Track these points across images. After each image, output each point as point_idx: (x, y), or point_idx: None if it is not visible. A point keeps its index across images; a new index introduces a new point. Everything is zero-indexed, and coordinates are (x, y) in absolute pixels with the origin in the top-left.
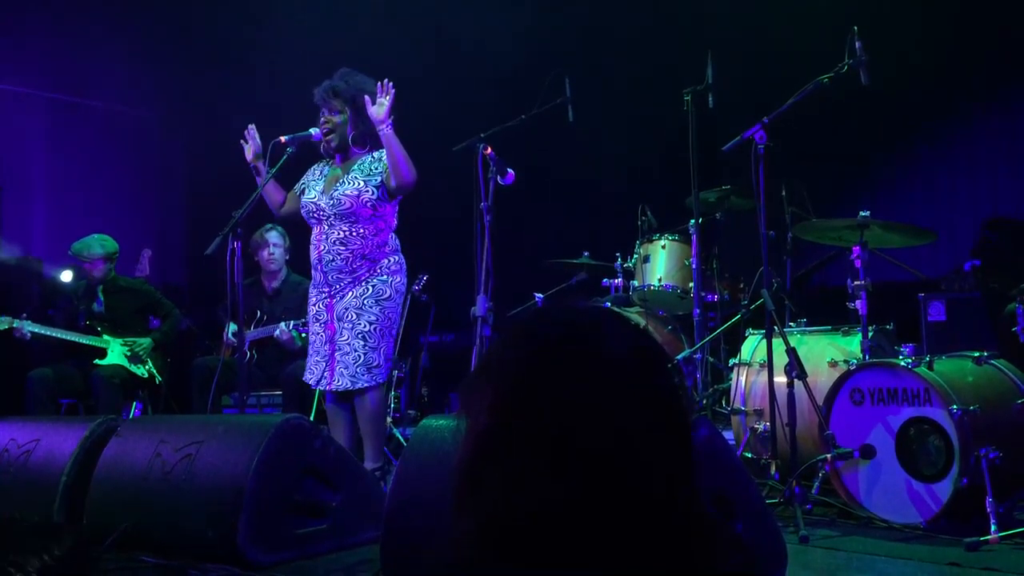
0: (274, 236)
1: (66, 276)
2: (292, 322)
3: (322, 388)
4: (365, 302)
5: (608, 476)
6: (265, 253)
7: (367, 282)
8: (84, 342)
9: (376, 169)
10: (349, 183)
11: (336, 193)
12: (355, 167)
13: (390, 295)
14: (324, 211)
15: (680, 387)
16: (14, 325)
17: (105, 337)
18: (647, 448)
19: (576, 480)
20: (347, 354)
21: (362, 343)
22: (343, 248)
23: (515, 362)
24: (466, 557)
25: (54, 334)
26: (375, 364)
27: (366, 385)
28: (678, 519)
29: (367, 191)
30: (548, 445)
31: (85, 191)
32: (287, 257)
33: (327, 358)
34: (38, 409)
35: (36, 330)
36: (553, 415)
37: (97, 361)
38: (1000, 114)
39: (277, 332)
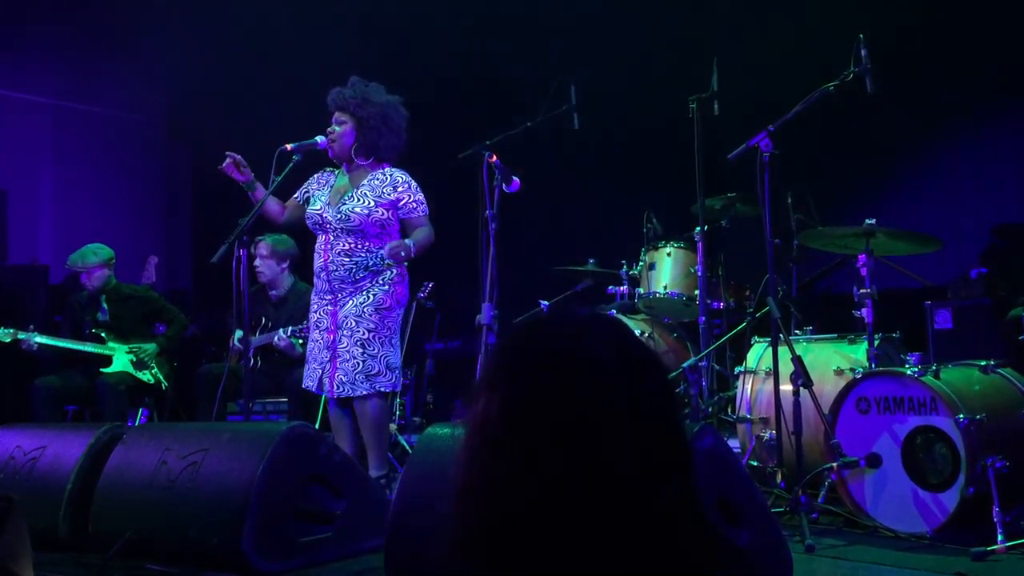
0: (261, 247)
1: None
2: (290, 328)
3: (324, 394)
4: (365, 310)
5: (594, 478)
6: (254, 263)
7: (368, 291)
8: (90, 351)
9: (386, 191)
10: (359, 199)
11: (344, 208)
12: (364, 183)
13: (390, 305)
14: (331, 223)
15: (672, 391)
16: (20, 337)
17: (111, 344)
18: (635, 450)
19: (561, 482)
20: (346, 361)
21: (360, 350)
22: (347, 260)
23: (498, 369)
24: (459, 560)
25: (61, 344)
26: (374, 372)
27: (365, 392)
28: (672, 522)
29: (378, 211)
30: (529, 447)
31: (91, 198)
32: (283, 267)
33: (324, 365)
34: (43, 417)
35: (44, 341)
36: (535, 417)
37: (103, 369)
38: (1006, 120)
39: (276, 339)
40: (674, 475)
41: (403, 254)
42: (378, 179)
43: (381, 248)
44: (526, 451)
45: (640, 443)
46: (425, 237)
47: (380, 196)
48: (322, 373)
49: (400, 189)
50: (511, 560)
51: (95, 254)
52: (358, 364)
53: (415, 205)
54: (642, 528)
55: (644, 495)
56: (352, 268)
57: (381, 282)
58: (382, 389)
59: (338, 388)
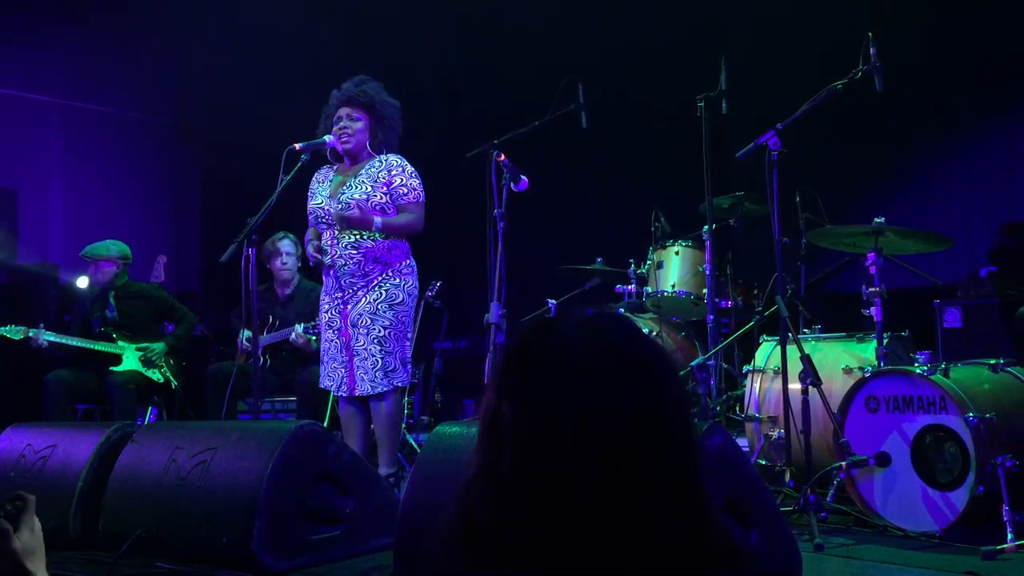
0: (286, 244)
1: (82, 282)
2: (303, 325)
3: (342, 394)
4: (379, 307)
5: (594, 479)
6: (278, 262)
7: (380, 286)
8: (99, 349)
9: (381, 176)
10: (357, 187)
11: (344, 197)
12: (363, 171)
13: (403, 299)
14: (333, 216)
15: (679, 391)
16: (30, 335)
17: (120, 343)
18: (637, 451)
19: (561, 483)
20: (365, 359)
21: (378, 348)
22: (355, 252)
23: (501, 371)
24: (459, 559)
25: (70, 342)
26: (392, 368)
27: (385, 389)
28: (676, 523)
29: (375, 195)
30: (530, 449)
31: (101, 198)
32: (299, 264)
33: (345, 364)
34: (54, 411)
35: (53, 339)
36: (536, 419)
37: (112, 368)
38: (1017, 118)
39: (292, 336)
40: (679, 475)
41: (356, 221)
42: (375, 166)
43: (387, 238)
44: (527, 453)
45: (644, 444)
46: (402, 220)
47: (376, 180)
48: (344, 372)
49: (394, 172)
50: (510, 560)
51: (107, 248)
52: (377, 362)
53: (406, 190)
54: (645, 529)
55: (647, 495)
56: (360, 261)
57: (391, 275)
58: (399, 384)
59: (360, 387)
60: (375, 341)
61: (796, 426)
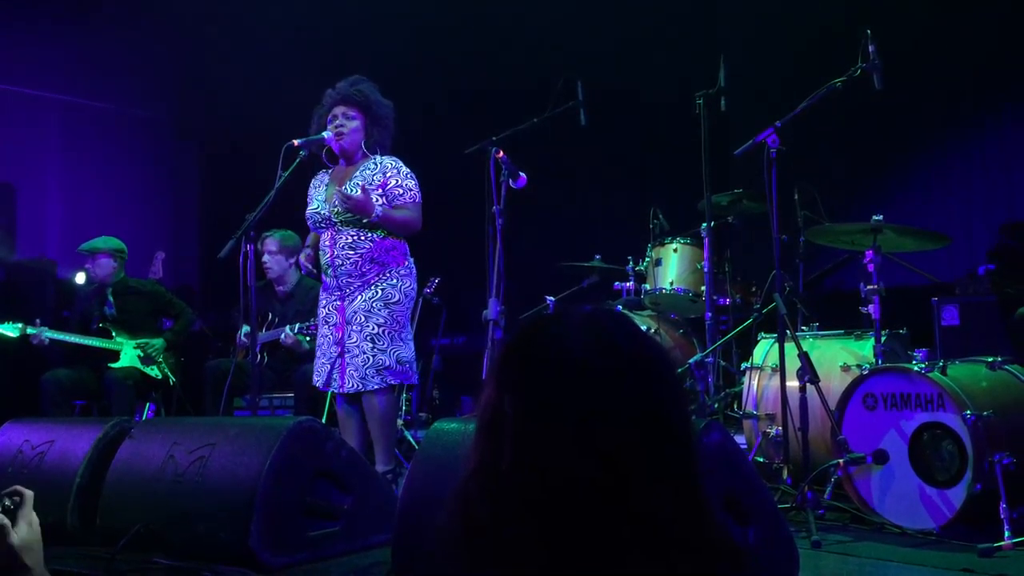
0: (268, 243)
1: (80, 278)
2: (297, 325)
3: (332, 390)
4: (374, 305)
5: (592, 478)
6: (262, 260)
7: (376, 285)
8: (97, 345)
9: (376, 178)
10: (352, 190)
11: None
12: (358, 173)
13: (399, 299)
14: (331, 219)
15: (678, 389)
16: (28, 332)
17: (118, 339)
18: (636, 450)
19: (559, 482)
20: (356, 356)
21: (370, 345)
22: (352, 252)
23: (498, 370)
24: (456, 558)
25: (71, 339)
26: (384, 366)
27: (376, 387)
28: (675, 522)
29: (371, 197)
30: (528, 448)
31: (99, 193)
32: (290, 262)
33: (334, 360)
34: (52, 410)
35: (54, 336)
36: (533, 419)
37: (111, 364)
38: (1016, 117)
39: (282, 336)
40: (679, 475)
41: (359, 203)
42: (369, 168)
43: (384, 237)
44: (526, 451)
45: (644, 443)
46: (400, 215)
47: (371, 182)
48: (331, 368)
49: (389, 174)
50: (510, 558)
51: (104, 243)
52: (368, 359)
53: (401, 191)
54: (644, 528)
55: (647, 495)
56: (358, 261)
57: (389, 275)
58: (392, 382)
59: (348, 383)
60: (368, 338)
61: (794, 423)
